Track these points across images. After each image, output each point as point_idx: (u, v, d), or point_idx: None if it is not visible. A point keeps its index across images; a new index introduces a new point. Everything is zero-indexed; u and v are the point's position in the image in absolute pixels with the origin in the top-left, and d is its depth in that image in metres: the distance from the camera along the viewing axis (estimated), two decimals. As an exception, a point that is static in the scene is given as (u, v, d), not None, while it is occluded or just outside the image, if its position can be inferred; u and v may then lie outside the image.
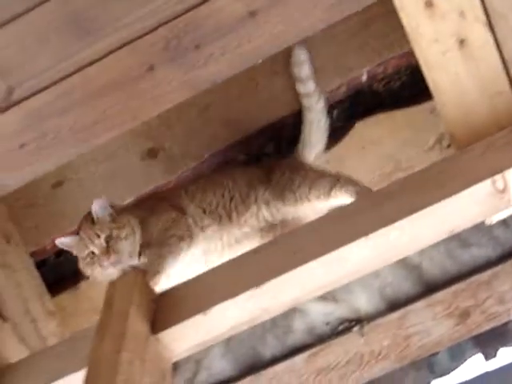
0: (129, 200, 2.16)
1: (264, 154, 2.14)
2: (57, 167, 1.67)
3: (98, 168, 2.22)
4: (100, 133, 1.48)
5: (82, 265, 1.73)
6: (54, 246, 2.23)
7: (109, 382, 1.32)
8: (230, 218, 1.84)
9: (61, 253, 2.27)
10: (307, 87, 1.98)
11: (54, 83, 1.44)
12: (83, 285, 2.24)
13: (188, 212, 1.83)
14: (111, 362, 1.37)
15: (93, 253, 1.68)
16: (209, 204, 1.86)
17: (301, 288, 1.46)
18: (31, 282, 2.17)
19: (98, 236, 1.67)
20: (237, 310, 1.48)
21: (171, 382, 1.51)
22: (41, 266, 2.26)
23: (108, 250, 1.65)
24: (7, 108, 1.44)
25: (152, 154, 2.18)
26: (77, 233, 1.73)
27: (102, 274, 1.69)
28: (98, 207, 1.71)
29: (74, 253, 1.74)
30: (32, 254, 2.24)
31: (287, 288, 1.44)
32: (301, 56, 1.96)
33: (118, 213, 1.76)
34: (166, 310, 1.53)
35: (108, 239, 1.67)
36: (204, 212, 1.84)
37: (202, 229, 1.82)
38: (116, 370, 1.34)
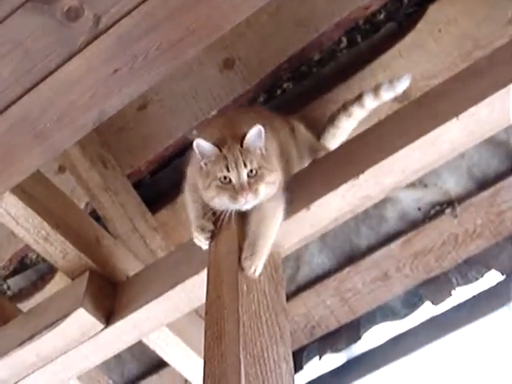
0: (213, 113, 2.22)
1: (340, 49, 2.14)
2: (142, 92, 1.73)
3: (177, 86, 2.27)
4: (187, 48, 1.51)
5: (205, 182, 1.52)
6: (148, 166, 2.35)
7: (230, 278, 1.44)
8: None
9: (155, 172, 2.38)
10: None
11: (136, 6, 1.48)
12: (179, 199, 2.34)
13: None
14: (229, 261, 1.48)
15: (225, 178, 1.48)
16: None
17: (400, 172, 1.50)
18: (132, 202, 2.30)
19: (245, 166, 1.47)
20: (339, 201, 1.54)
21: (283, 274, 1.61)
22: (137, 186, 2.37)
23: (249, 186, 1.46)
24: (97, 36, 1.50)
25: (228, 64, 2.21)
26: (216, 145, 1.50)
27: (222, 203, 1.50)
28: (254, 134, 1.49)
29: (202, 163, 1.52)
30: (128, 176, 2.35)
31: (387, 174, 1.50)
32: None
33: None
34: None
35: (250, 174, 1.48)
36: None
37: None
38: (236, 266, 1.45)
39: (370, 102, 1.95)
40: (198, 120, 2.24)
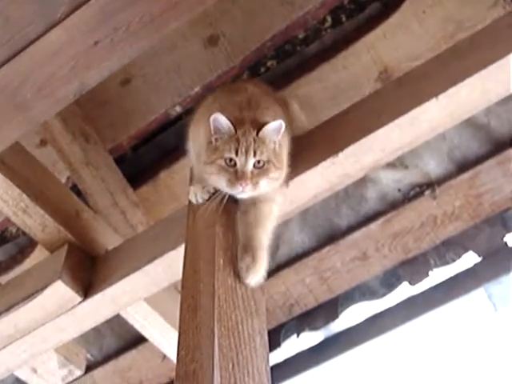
0: (196, 90, 2.21)
1: (325, 28, 2.14)
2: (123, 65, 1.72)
3: (161, 62, 2.27)
4: (169, 22, 1.50)
5: (210, 157, 1.46)
6: (130, 141, 2.35)
7: (207, 252, 1.44)
8: None
9: (137, 147, 2.37)
10: None
11: (120, -23, 1.47)
12: (161, 175, 2.35)
13: None
14: (207, 235, 1.48)
15: (231, 160, 1.42)
16: None
17: (379, 151, 1.51)
18: (113, 177, 2.30)
19: (255, 155, 1.42)
20: (318, 179, 1.55)
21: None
22: (119, 161, 2.37)
23: (251, 176, 1.41)
24: (78, 7, 1.49)
25: (212, 41, 2.21)
26: (233, 125, 1.44)
27: (219, 183, 1.46)
28: (274, 128, 1.43)
29: (213, 138, 1.45)
30: (110, 151, 2.35)
31: (366, 152, 1.51)
32: None
33: None
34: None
35: (257, 165, 1.42)
36: None
37: None
38: (213, 241, 1.45)
39: None
40: (181, 96, 2.24)
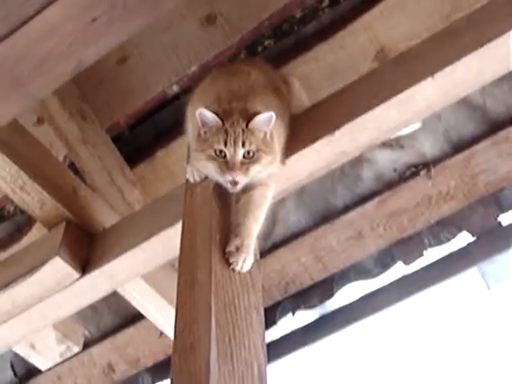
0: (193, 69, 2.22)
1: (322, 8, 2.14)
2: (119, 43, 1.71)
3: (158, 40, 2.26)
4: (166, -1, 1.51)
5: (200, 147, 1.47)
6: (127, 120, 2.36)
7: (204, 228, 1.46)
8: None
9: (134, 126, 2.38)
10: None
11: (116, -47, 1.47)
12: (158, 154, 2.36)
13: None
14: (204, 212, 1.50)
15: (221, 151, 1.43)
16: None
17: (375, 130, 1.53)
18: (110, 155, 2.31)
19: (243, 145, 1.42)
20: (315, 156, 1.57)
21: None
22: (116, 140, 2.38)
23: (241, 165, 1.42)
24: (75, -17, 1.49)
25: (210, 20, 2.20)
26: (220, 118, 1.44)
27: (210, 171, 1.47)
28: (264, 119, 1.43)
29: (202, 131, 1.47)
30: (107, 130, 2.35)
31: (362, 131, 1.52)
32: None
33: None
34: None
35: (247, 155, 1.43)
36: None
37: None
38: (210, 218, 1.47)
39: None
40: (178, 75, 2.24)
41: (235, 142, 1.42)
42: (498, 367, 2.23)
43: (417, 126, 1.85)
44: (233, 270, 1.40)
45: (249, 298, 1.41)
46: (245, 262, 1.41)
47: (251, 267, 1.43)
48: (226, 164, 1.43)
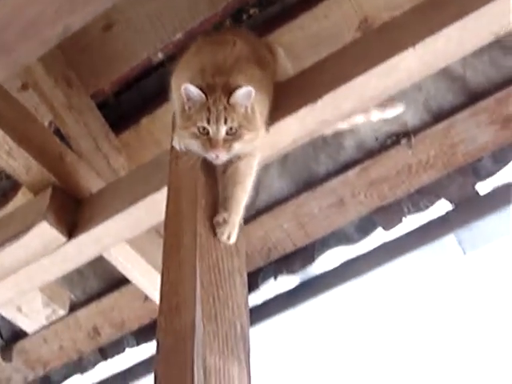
0: (178, 36, 2.23)
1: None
2: (105, 10, 1.72)
3: (143, 7, 2.27)
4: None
5: (184, 123, 1.50)
6: (112, 86, 2.37)
7: (190, 193, 1.50)
8: None
9: (119, 93, 2.39)
10: None
11: None
12: (143, 121, 2.37)
13: None
14: (189, 177, 1.54)
15: (204, 128, 1.45)
16: None
17: (357, 98, 1.56)
18: (96, 121, 2.33)
19: (225, 122, 1.44)
20: (298, 125, 1.60)
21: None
22: (101, 107, 2.39)
23: (223, 142, 1.45)
24: None
25: (195, -14, 2.21)
26: (204, 92, 1.45)
27: (194, 147, 1.50)
28: (243, 94, 1.45)
29: (186, 106, 1.49)
30: (92, 96, 2.37)
31: (345, 99, 1.55)
32: None
33: None
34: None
35: (229, 131, 1.45)
36: None
37: None
38: (195, 183, 1.51)
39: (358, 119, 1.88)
40: (163, 42, 2.25)
41: (217, 120, 1.44)
42: (473, 325, 2.33)
43: (400, 109, 1.89)
44: (220, 239, 1.45)
45: (232, 262, 1.46)
46: (231, 234, 1.47)
47: (232, 239, 1.48)
48: (209, 141, 1.45)
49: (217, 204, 1.51)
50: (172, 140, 1.64)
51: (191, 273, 1.33)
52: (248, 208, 2.18)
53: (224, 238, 1.45)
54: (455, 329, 2.38)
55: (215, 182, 1.56)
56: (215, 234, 1.45)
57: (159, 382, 1.21)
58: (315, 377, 2.61)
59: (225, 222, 1.46)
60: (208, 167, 1.56)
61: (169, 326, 1.28)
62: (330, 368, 2.61)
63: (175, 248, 1.41)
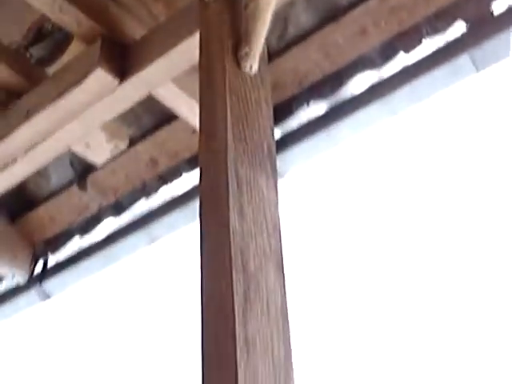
0: None
1: None
2: None
3: None
4: None
5: None
6: None
7: (218, 35, 1.75)
8: None
9: None
10: None
11: None
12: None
13: None
14: (218, 21, 1.77)
15: None
16: None
17: None
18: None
19: None
20: None
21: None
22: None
23: None
24: None
25: None
26: None
27: None
28: None
29: None
30: None
31: None
32: None
33: None
34: None
35: None
36: None
37: None
38: (222, 27, 1.75)
39: None
40: None
41: None
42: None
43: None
44: (243, 70, 1.72)
45: (259, 93, 1.73)
46: (252, 65, 1.72)
47: (260, 68, 1.74)
48: None
49: (241, 42, 1.75)
50: None
51: (222, 103, 1.61)
52: (278, 42, 2.43)
53: (247, 69, 1.71)
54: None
55: (240, 24, 1.79)
56: (241, 68, 1.71)
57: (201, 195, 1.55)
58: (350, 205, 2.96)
59: (247, 54, 1.71)
60: (233, 10, 1.80)
61: (207, 147, 1.60)
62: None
63: (208, 85, 1.69)
